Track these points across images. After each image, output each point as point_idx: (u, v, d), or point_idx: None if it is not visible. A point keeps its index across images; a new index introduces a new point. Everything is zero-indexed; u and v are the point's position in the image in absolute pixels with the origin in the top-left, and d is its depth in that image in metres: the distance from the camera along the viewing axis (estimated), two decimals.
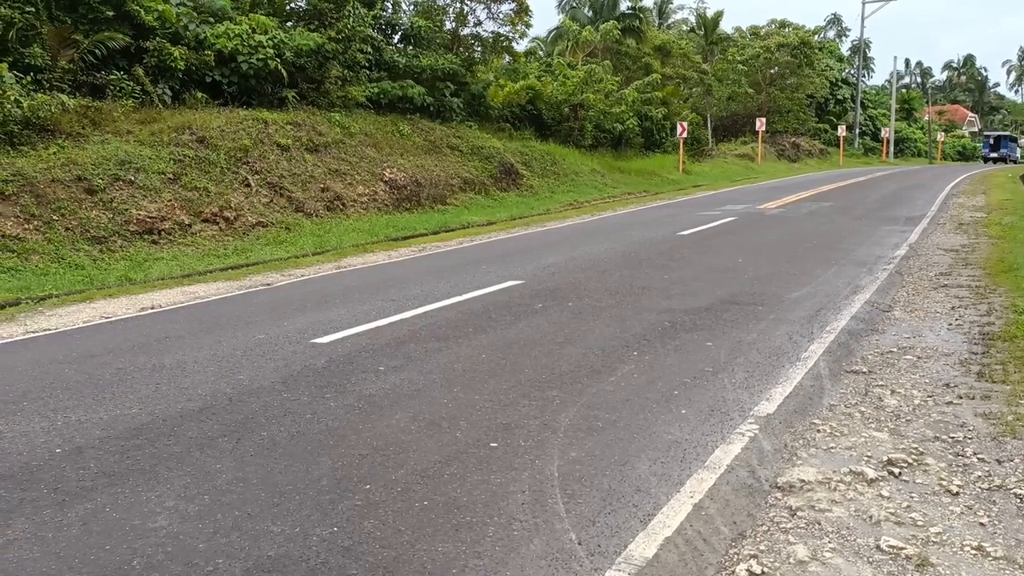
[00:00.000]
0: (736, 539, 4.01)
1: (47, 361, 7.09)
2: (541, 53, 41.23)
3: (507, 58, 32.41)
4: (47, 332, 8.31)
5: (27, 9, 15.19)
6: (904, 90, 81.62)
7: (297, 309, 9.13)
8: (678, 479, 4.51)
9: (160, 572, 3.57)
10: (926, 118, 71.02)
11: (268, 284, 10.92)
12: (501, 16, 27.55)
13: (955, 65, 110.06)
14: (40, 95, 14.15)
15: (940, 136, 65.75)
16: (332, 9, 21.06)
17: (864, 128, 60.82)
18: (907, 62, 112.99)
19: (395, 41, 25.49)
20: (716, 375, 6.46)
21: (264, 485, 4.44)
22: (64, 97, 14.57)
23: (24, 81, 14.17)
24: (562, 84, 30.17)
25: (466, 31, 27.53)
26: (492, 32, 28.01)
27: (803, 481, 4.62)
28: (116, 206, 13.52)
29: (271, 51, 18.69)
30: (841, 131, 52.04)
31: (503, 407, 5.70)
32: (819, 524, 4.13)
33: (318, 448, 4.97)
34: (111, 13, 16.48)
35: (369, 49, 21.93)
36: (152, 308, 9.45)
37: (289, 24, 21.89)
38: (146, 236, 13.49)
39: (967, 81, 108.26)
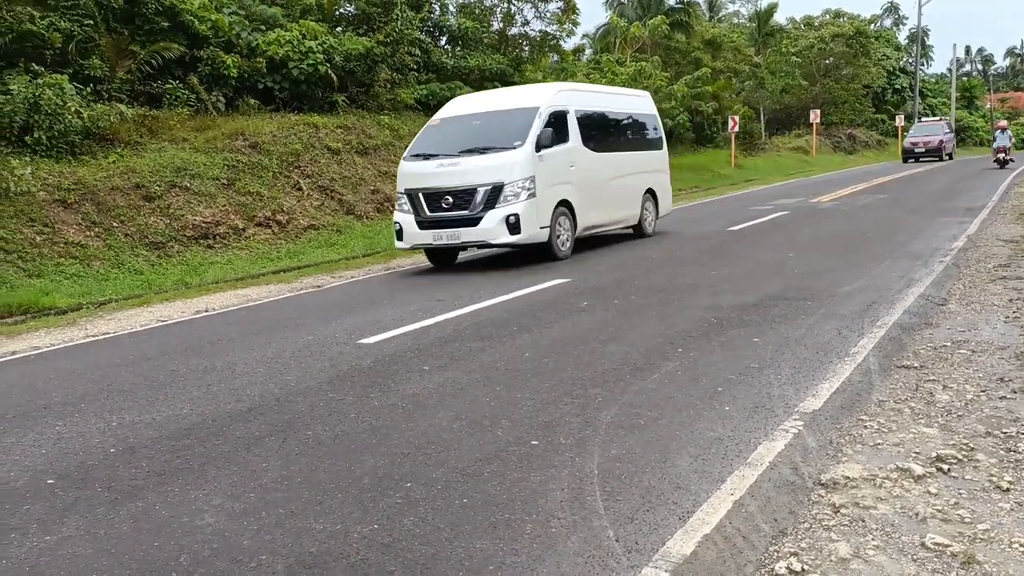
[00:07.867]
0: (777, 536, 3.97)
1: (105, 364, 7.33)
2: (589, 51, 41.10)
3: (555, 57, 32.39)
4: (106, 336, 8.58)
5: (86, 22, 15.68)
6: (965, 78, 79.47)
7: (345, 310, 9.26)
8: (719, 476, 4.47)
9: (206, 568, 3.67)
10: (988, 106, 69.01)
11: (319, 286, 11.10)
12: (548, 15, 27.63)
13: (1018, 51, 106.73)
14: (99, 105, 14.62)
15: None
16: (380, 13, 21.33)
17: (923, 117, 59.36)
18: (967, 49, 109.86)
19: (443, 43, 25.69)
20: (762, 371, 6.38)
21: (308, 483, 4.53)
22: (122, 107, 15.02)
23: (84, 92, 14.64)
24: (611, 81, 30.01)
25: (513, 31, 27.64)
26: (540, 31, 28.09)
27: (848, 478, 4.54)
28: (173, 212, 13.88)
29: (321, 56, 18.99)
30: (899, 121, 50.84)
31: (545, 405, 5.72)
32: (863, 521, 4.07)
33: (361, 447, 5.05)
34: (166, 24, 16.94)
35: (417, 51, 22.15)
36: (206, 311, 9.68)
37: (338, 29, 22.22)
38: (201, 241, 13.82)
39: None
